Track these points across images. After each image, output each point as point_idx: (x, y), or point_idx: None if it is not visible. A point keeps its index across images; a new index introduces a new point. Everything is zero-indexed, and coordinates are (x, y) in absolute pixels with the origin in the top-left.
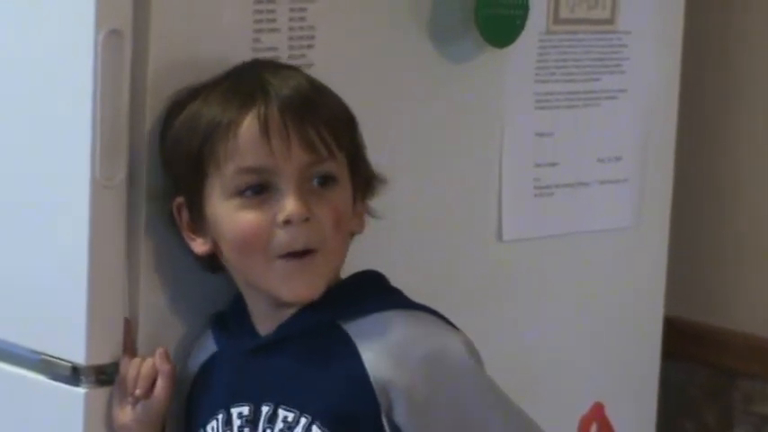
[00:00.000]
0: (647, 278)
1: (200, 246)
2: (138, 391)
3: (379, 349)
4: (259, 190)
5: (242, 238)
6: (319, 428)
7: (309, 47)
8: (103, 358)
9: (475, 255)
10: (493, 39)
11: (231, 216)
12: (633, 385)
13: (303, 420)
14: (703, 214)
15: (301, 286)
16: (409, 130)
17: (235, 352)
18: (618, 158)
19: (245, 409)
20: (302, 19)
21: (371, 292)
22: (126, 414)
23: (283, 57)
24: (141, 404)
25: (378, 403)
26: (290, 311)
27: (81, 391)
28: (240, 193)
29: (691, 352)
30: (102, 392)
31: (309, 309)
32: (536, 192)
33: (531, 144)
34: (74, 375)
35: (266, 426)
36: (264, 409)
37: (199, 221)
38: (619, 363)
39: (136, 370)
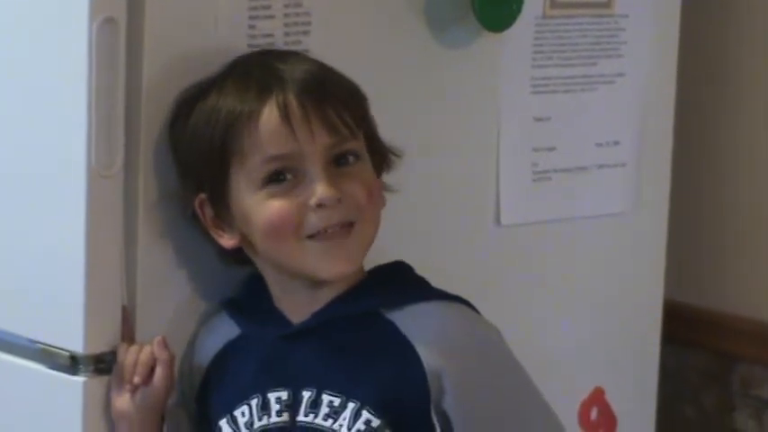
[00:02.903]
0: (646, 263)
1: (227, 240)
2: (136, 379)
3: (431, 339)
4: (286, 178)
5: (274, 224)
6: (369, 413)
7: (305, 33)
8: (102, 347)
9: (474, 239)
10: (489, 23)
11: (261, 206)
12: (633, 370)
13: (351, 405)
14: (703, 198)
15: (339, 262)
16: (407, 115)
17: (263, 337)
18: (616, 143)
19: (284, 394)
20: (298, 5)
21: (407, 282)
22: (125, 401)
23: (279, 43)
24: (140, 392)
25: (428, 391)
26: (324, 299)
27: (80, 379)
28: (268, 182)
29: (690, 336)
30: (101, 381)
31: (348, 296)
32: (534, 176)
33: (529, 129)
34: (72, 364)
35: (309, 410)
36: (306, 393)
37: (224, 216)
38: (618, 347)
39: (134, 357)
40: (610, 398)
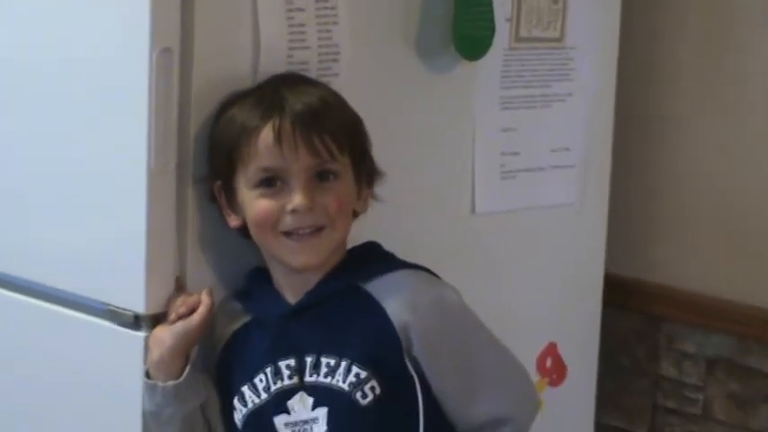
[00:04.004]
0: (591, 243)
1: (233, 220)
2: (181, 309)
3: (397, 301)
4: (273, 183)
5: (259, 219)
6: (357, 368)
7: (334, 61)
8: (158, 308)
9: (454, 225)
10: (467, 54)
11: (252, 202)
12: (580, 328)
13: (343, 363)
14: (636, 192)
15: (304, 257)
16: (400, 127)
17: (269, 319)
18: (567, 149)
19: (292, 362)
20: (328, 38)
21: (378, 258)
22: (164, 329)
23: (313, 69)
24: (180, 323)
25: (400, 342)
26: (314, 280)
27: (141, 334)
28: (259, 185)
29: (626, 302)
30: None
31: (331, 277)
32: (502, 175)
33: (498, 138)
34: (135, 322)
35: (312, 371)
36: (308, 359)
37: (232, 202)
38: (569, 310)
39: (183, 299)
40: (561, 350)
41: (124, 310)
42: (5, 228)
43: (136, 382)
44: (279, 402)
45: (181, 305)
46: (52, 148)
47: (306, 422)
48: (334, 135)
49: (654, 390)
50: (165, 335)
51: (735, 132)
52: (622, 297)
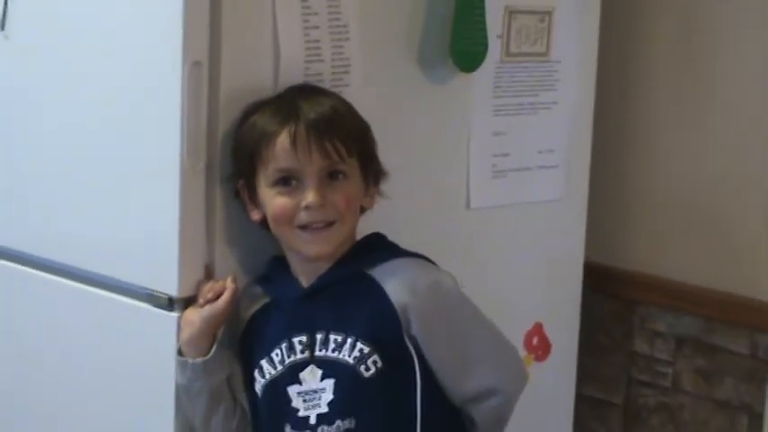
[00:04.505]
0: (572, 234)
1: (255, 215)
2: (209, 295)
3: (397, 284)
4: (290, 182)
5: (277, 214)
6: (361, 344)
7: (346, 72)
8: (190, 291)
9: (451, 218)
10: (463, 66)
11: (271, 199)
12: (563, 310)
13: (349, 340)
14: (615, 189)
15: (317, 247)
16: (404, 132)
17: (286, 300)
18: (551, 151)
19: (304, 338)
20: (341, 53)
21: (382, 248)
22: (195, 312)
23: (327, 80)
24: (208, 306)
25: (399, 322)
26: (325, 267)
27: (174, 315)
28: (276, 183)
29: (604, 287)
30: None
31: (340, 263)
32: (493, 174)
33: (490, 141)
34: (169, 304)
35: (321, 347)
36: (318, 336)
37: (254, 198)
38: (553, 294)
39: (211, 285)
40: (546, 330)
41: (160, 293)
42: (58, 222)
43: (170, 358)
44: (292, 374)
45: (208, 291)
46: (98, 151)
47: (315, 391)
48: (343, 140)
49: (629, 365)
50: (195, 317)
51: (703, 136)
52: (601, 282)
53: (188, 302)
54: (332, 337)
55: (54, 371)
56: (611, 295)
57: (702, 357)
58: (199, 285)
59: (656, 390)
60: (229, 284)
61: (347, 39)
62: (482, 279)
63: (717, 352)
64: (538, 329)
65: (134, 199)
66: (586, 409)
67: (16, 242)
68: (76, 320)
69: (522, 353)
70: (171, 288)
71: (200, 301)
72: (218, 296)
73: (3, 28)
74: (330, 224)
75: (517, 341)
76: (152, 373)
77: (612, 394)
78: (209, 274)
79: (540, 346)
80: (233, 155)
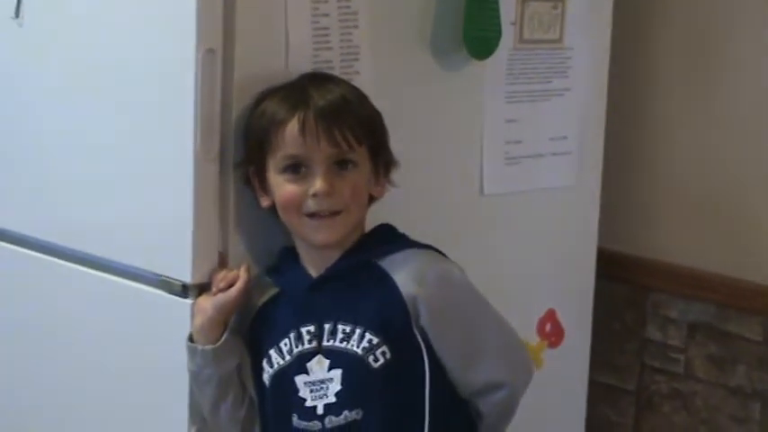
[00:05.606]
0: (585, 221)
1: (264, 201)
2: (221, 284)
3: (406, 275)
4: (298, 170)
5: (285, 201)
6: (370, 334)
7: (355, 60)
8: (203, 279)
9: (465, 204)
10: (476, 54)
11: (280, 186)
12: (576, 297)
13: (358, 330)
14: (626, 177)
15: (323, 235)
16: (419, 118)
17: (295, 290)
18: (564, 137)
19: (312, 328)
20: (350, 40)
21: (392, 238)
22: (207, 300)
23: (336, 67)
24: (220, 295)
25: (408, 312)
26: (335, 256)
27: (188, 301)
28: (285, 170)
29: (616, 273)
30: None
31: (349, 254)
32: (507, 161)
33: (504, 127)
34: (183, 290)
35: (329, 337)
36: (326, 326)
37: (264, 185)
38: (566, 281)
39: (224, 274)
40: (560, 316)
41: (174, 279)
42: (72, 208)
43: (183, 344)
44: (300, 364)
45: (221, 280)
46: (112, 139)
47: (323, 381)
48: (352, 128)
49: (641, 351)
50: (207, 304)
51: (716, 123)
52: (614, 269)
53: (201, 289)
54: (340, 327)
55: (68, 357)
56: (623, 282)
57: (715, 344)
58: (212, 273)
59: (668, 376)
60: (242, 274)
61: (356, 26)
62: (495, 265)
63: (729, 338)
64: (551, 316)
65: (148, 186)
66: (599, 395)
67: (30, 229)
68: (91, 307)
69: (536, 339)
70: (185, 274)
71: (213, 290)
72: (230, 285)
73: (17, 16)
74: (336, 213)
75: (530, 327)
76: (166, 359)
77: (625, 381)
78: (222, 261)
79: (553, 332)
80: (243, 141)
